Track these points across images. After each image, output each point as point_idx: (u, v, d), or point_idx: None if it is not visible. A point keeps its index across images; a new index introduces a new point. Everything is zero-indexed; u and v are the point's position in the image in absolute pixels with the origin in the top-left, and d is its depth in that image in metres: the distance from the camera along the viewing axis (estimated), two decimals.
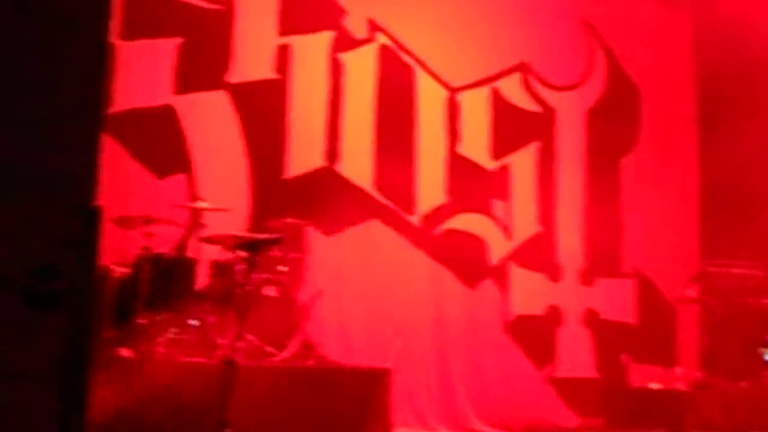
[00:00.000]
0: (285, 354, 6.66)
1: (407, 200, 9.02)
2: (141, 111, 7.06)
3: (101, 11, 3.39)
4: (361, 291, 8.44)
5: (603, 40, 10.65)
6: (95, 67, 3.40)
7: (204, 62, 7.82)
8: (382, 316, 8.48)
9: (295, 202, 7.84)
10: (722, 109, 10.79)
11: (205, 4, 7.91)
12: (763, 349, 9.28)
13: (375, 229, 8.74)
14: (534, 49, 10.09)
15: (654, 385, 9.27)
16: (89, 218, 3.34)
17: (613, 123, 10.54)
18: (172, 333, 6.42)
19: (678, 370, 9.78)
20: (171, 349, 6.31)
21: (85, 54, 3.26)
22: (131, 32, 7.37)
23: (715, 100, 10.99)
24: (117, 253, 6.42)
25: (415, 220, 9.04)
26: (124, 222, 6.53)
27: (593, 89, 10.57)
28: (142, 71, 7.09)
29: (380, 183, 8.85)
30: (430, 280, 9.06)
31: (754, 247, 9.79)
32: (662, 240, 10.69)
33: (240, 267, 6.43)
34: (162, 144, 7.43)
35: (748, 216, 9.95)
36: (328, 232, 8.20)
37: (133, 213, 6.58)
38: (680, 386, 9.26)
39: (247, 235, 6.50)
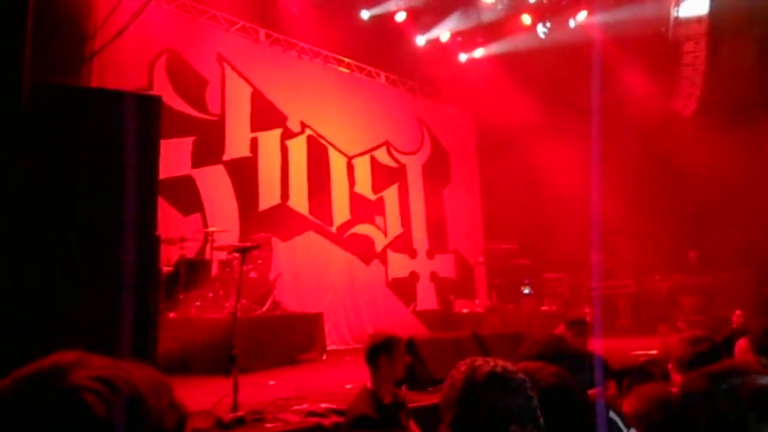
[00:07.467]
0: (263, 309, 6.51)
1: (328, 218, 8.92)
2: (173, 178, 6.93)
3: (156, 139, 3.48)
4: (305, 271, 8.23)
5: (428, 126, 10.88)
6: (153, 157, 3.50)
7: (208, 149, 7.57)
8: (319, 284, 8.33)
9: (265, 224, 7.68)
10: (490, 161, 11.20)
11: (207, 116, 7.67)
12: (522, 287, 9.85)
13: (311, 237, 8.60)
14: (392, 133, 10.19)
15: (465, 310, 9.58)
16: (153, 241, 3.46)
17: (436, 171, 10.81)
18: (198, 302, 6.21)
19: (477, 301, 10.11)
20: (198, 311, 6.12)
21: (147, 147, 3.37)
22: (165, 134, 7.14)
23: (486, 156, 11.41)
24: (164, 259, 6.31)
25: (333, 229, 8.95)
26: (167, 241, 6.39)
27: (424, 153, 10.79)
28: (173, 156, 7.00)
29: (312, 210, 8.69)
30: (345, 262, 8.97)
31: (510, 234, 10.35)
32: (465, 233, 10.98)
33: (236, 262, 6.37)
34: (186, 196, 7.14)
35: (507, 219, 10.49)
36: (284, 239, 8.04)
37: (172, 236, 6.50)
38: (479, 309, 9.61)
39: (240, 244, 6.50)
